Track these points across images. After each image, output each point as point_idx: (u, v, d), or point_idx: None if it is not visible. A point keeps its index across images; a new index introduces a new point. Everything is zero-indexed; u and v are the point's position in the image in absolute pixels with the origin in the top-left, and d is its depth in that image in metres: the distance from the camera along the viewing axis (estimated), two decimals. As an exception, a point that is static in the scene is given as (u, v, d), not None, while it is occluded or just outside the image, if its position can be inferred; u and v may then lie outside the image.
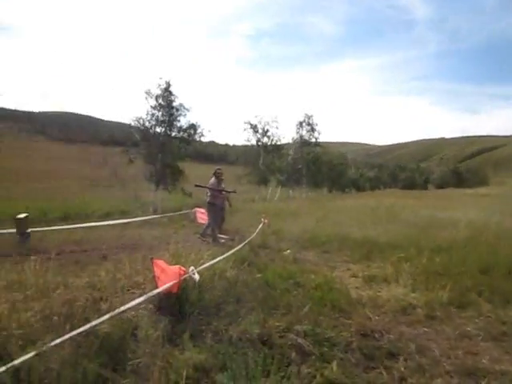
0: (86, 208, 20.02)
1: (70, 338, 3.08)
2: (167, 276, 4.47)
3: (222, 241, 9.59)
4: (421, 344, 3.91)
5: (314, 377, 3.16)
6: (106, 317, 3.28)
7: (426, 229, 10.99)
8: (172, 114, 19.45)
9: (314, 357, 3.52)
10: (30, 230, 9.37)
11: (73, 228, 10.06)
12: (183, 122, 20.66)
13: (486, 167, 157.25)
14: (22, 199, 24.40)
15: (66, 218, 17.17)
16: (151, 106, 19.26)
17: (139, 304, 3.93)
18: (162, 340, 3.55)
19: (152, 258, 4.49)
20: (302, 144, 37.13)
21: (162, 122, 19.33)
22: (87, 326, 3.06)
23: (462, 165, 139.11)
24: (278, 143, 32.62)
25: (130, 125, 19.93)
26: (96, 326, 3.27)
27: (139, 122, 19.40)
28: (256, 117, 32.32)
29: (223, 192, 10.18)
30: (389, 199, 25.69)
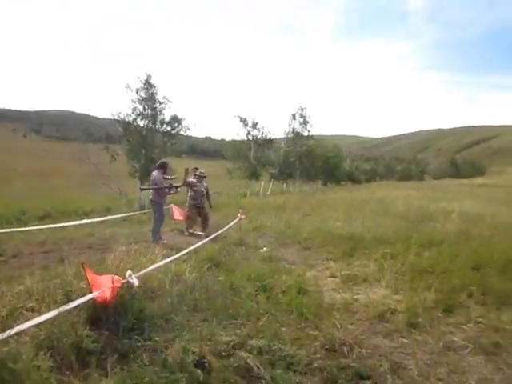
0: (68, 206, 19.31)
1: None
2: (99, 284, 3.84)
3: (165, 241, 8.69)
4: (397, 361, 3.27)
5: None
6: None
7: (417, 222, 10.37)
8: (154, 108, 18.71)
9: (263, 382, 2.88)
10: (-11, 231, 8.69)
11: (37, 229, 9.31)
12: (168, 115, 19.90)
13: (484, 157, 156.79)
14: (3, 198, 23.74)
15: (45, 217, 16.42)
16: (132, 100, 18.49)
17: (61, 318, 3.30)
18: (81, 365, 2.92)
19: (83, 264, 3.82)
20: (295, 137, 36.32)
21: (144, 115, 18.59)
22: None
23: (459, 155, 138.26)
24: (269, 136, 31.80)
25: (111, 119, 19.14)
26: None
27: (119, 116, 18.60)
28: (245, 109, 31.54)
29: (172, 189, 9.12)
30: (382, 191, 25.11)
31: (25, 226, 11.86)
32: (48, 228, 9.79)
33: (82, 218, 13.30)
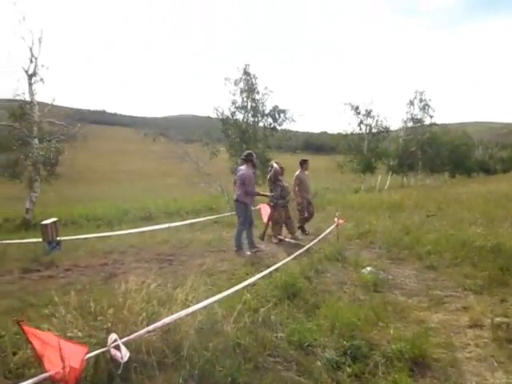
0: (173, 206, 19.00)
1: None
2: (55, 355, 2.27)
3: (248, 252, 7.01)
4: None
5: None
6: None
7: None
8: (254, 99, 17.35)
9: None
10: (59, 238, 7.96)
11: (106, 235, 8.40)
12: (270, 107, 18.44)
13: None
14: (118, 198, 24.64)
15: (146, 218, 16.15)
16: (229, 92, 17.40)
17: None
18: None
19: (19, 322, 2.27)
20: (415, 124, 32.43)
21: (243, 107, 17.34)
22: None
23: None
24: (385, 124, 28.50)
25: (208, 116, 18.32)
26: None
27: (218, 111, 17.63)
28: (358, 97, 28.67)
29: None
30: (529, 183, 20.50)
31: (125, 228, 11.37)
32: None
33: (182, 219, 12.43)
